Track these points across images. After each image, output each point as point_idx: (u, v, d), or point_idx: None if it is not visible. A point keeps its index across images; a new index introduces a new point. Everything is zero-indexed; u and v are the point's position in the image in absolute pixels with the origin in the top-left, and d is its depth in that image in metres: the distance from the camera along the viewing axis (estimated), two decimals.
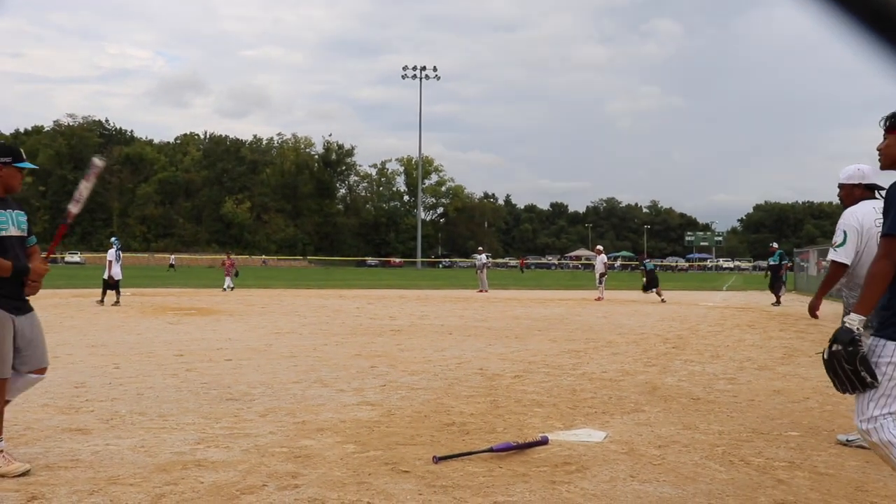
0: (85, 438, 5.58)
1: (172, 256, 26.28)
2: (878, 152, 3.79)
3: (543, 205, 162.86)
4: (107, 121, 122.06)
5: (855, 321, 3.42)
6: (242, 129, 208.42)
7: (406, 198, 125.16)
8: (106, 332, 13.48)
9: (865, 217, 5.62)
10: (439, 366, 9.62)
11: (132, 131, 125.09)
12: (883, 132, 3.71)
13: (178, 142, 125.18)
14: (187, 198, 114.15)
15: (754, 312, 21.28)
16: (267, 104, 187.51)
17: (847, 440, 5.81)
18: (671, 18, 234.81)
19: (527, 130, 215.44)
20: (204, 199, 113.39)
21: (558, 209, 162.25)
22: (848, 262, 5.62)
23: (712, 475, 4.85)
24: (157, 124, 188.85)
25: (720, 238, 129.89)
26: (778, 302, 25.23)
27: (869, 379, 3.39)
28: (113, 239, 22.23)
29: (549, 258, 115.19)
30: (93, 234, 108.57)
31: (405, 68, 76.58)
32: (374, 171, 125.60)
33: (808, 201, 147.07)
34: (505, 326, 15.65)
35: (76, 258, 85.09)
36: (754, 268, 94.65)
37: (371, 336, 13.27)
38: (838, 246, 5.65)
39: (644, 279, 26.15)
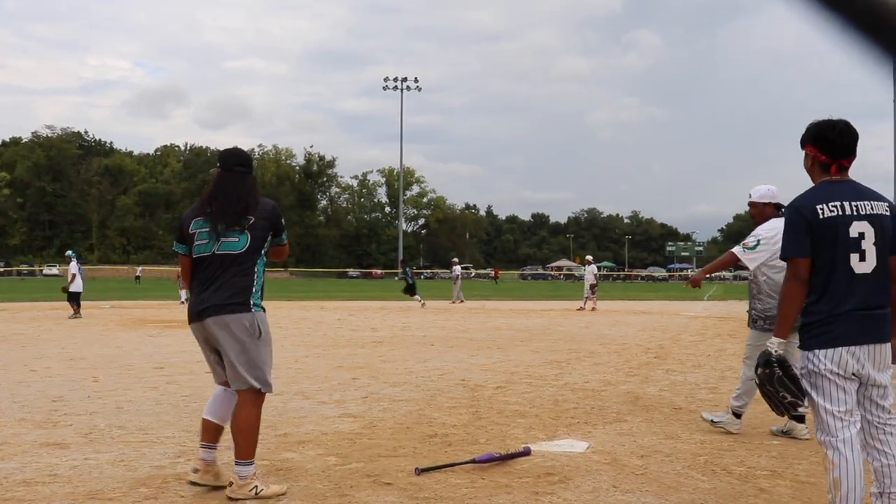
0: (63, 453, 5.51)
1: (139, 268, 25.90)
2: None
3: (525, 216, 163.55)
4: (86, 132, 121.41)
5: (774, 344, 3.65)
6: (223, 141, 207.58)
7: (387, 209, 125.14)
8: (85, 344, 13.36)
9: (778, 233, 5.71)
10: (421, 377, 9.60)
11: (112, 143, 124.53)
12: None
13: (159, 153, 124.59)
14: (167, 209, 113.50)
15: (735, 322, 21.39)
16: (247, 115, 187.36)
17: (713, 420, 6.57)
18: (651, 30, 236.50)
19: (508, 141, 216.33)
20: (184, 210, 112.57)
21: (539, 220, 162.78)
22: (752, 266, 6.19)
23: (695, 484, 4.86)
24: (136, 136, 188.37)
25: (701, 248, 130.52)
26: None
27: (789, 399, 3.61)
28: (69, 253, 22.27)
29: (546, 269, 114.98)
30: (71, 247, 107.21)
31: (386, 80, 76.76)
32: (355, 183, 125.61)
33: None
34: (487, 337, 15.65)
35: (54, 270, 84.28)
36: (735, 278, 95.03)
37: (352, 348, 13.23)
38: (750, 248, 6.19)
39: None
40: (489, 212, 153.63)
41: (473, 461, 5.25)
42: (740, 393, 6.55)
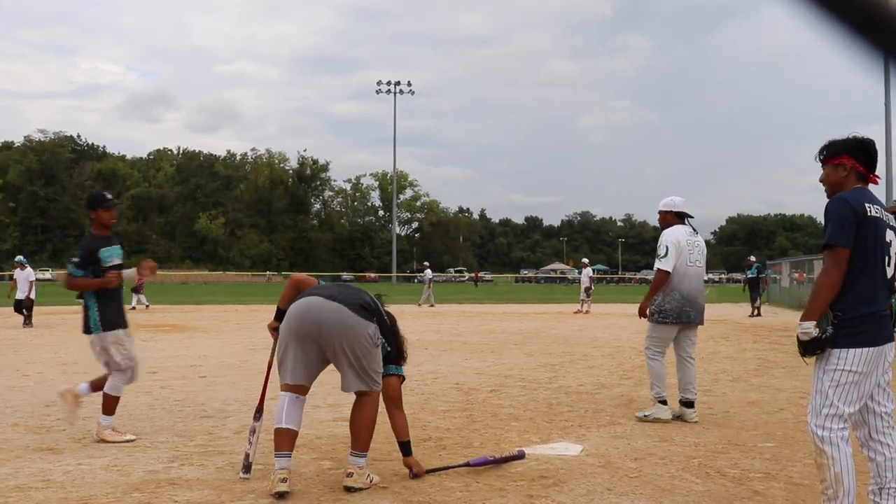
0: (56, 458, 5.50)
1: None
2: (821, 184, 4.02)
3: (518, 219, 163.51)
4: (78, 136, 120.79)
5: (809, 328, 3.72)
6: (213, 144, 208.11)
7: (381, 213, 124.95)
8: (78, 350, 13.28)
9: (681, 237, 7.16)
10: (415, 381, 9.59)
11: (104, 147, 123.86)
12: (820, 165, 4.02)
13: (151, 157, 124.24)
14: (160, 213, 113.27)
15: (728, 324, 21.44)
16: (238, 119, 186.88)
17: (644, 416, 7.09)
18: (641, 34, 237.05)
19: (500, 145, 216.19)
20: (177, 214, 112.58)
21: (533, 223, 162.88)
22: (671, 269, 7.04)
23: (689, 487, 4.86)
24: (128, 139, 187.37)
25: None
26: (756, 313, 25.43)
27: (820, 353, 3.76)
28: (20, 258, 21.18)
29: (549, 271, 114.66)
30: (64, 251, 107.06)
31: (379, 83, 76.70)
32: (348, 187, 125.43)
33: (779, 214, 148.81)
34: (481, 341, 15.65)
35: (47, 275, 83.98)
36: (728, 280, 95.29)
37: None
38: (663, 257, 7.08)
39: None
40: (482, 215, 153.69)
41: (468, 464, 5.25)
42: (652, 382, 7.25)
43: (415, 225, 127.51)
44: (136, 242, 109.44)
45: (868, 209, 3.74)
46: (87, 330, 6.38)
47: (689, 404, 7.15)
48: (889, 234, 3.81)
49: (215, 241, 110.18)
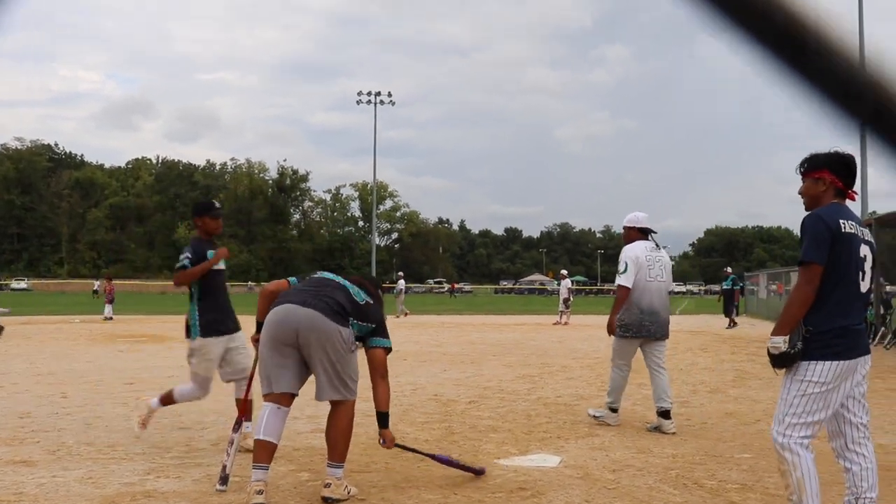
0: (30, 471, 5.43)
1: (97, 283, 25.18)
2: (800, 196, 4.10)
3: (497, 230, 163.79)
4: (56, 144, 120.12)
5: (779, 342, 3.85)
6: (192, 154, 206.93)
7: (360, 223, 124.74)
8: (53, 360, 13.19)
9: (640, 252, 7.36)
10: (394, 392, 9.53)
11: (82, 155, 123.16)
12: (801, 177, 4.10)
13: (130, 166, 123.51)
14: (139, 223, 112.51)
15: (706, 336, 21.55)
16: (217, 128, 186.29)
17: (595, 415, 7.50)
18: (621, 44, 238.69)
19: (480, 155, 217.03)
20: (156, 224, 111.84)
21: (512, 234, 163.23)
22: (630, 285, 7.23)
23: (666, 498, 4.88)
24: (107, 148, 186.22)
25: (672, 263, 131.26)
26: (733, 324, 25.58)
27: (790, 366, 3.88)
28: None
29: (528, 282, 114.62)
30: (40, 261, 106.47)
31: (360, 94, 76.46)
32: (328, 197, 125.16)
33: (757, 226, 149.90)
34: (460, 352, 15.64)
35: (23, 284, 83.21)
36: (706, 292, 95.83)
37: None
38: (622, 273, 7.30)
39: None
40: (462, 226, 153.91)
41: (433, 457, 5.27)
42: (609, 391, 7.54)
43: (394, 235, 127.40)
44: (115, 252, 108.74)
45: (843, 225, 3.82)
46: (188, 334, 6.28)
47: (665, 414, 7.23)
48: (863, 250, 3.89)
49: None
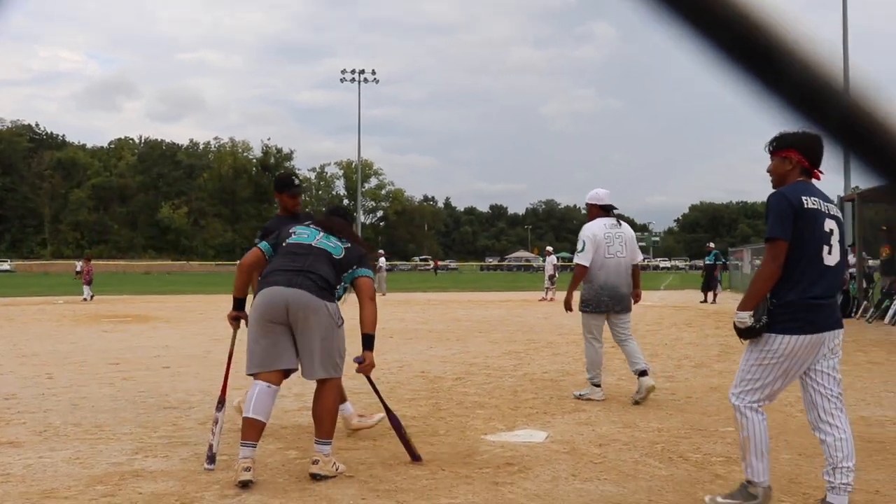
0: (17, 451, 5.42)
1: (78, 264, 24.84)
2: (768, 173, 4.28)
3: (482, 207, 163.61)
4: (37, 125, 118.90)
5: (745, 317, 4.02)
6: (175, 133, 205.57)
7: (345, 201, 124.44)
8: (38, 341, 13.13)
9: (598, 230, 7.55)
10: (380, 369, 9.58)
11: (64, 136, 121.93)
12: (769, 155, 4.26)
13: (112, 146, 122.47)
14: (122, 203, 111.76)
15: (691, 311, 21.69)
16: (201, 108, 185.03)
17: (579, 395, 7.57)
18: (606, 22, 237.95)
19: (465, 133, 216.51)
20: (140, 204, 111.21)
21: (498, 211, 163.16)
22: (587, 264, 7.47)
23: (652, 472, 4.92)
24: (88, 128, 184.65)
25: (657, 238, 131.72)
26: (710, 300, 25.73)
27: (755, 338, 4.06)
28: None
29: (514, 259, 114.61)
30: (23, 242, 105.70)
31: (344, 72, 75.94)
32: (313, 175, 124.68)
33: (741, 201, 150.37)
34: (446, 329, 15.67)
35: (6, 266, 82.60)
36: (691, 267, 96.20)
37: None
38: (580, 252, 7.54)
39: None
40: (447, 203, 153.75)
41: (389, 414, 5.33)
42: (587, 366, 7.70)
43: (380, 214, 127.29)
44: (98, 232, 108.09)
45: (805, 202, 3.96)
46: None
47: (643, 373, 7.38)
48: (828, 224, 4.01)
49: (178, 231, 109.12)
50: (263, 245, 5.11)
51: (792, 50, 0.63)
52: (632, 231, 7.88)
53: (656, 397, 7.55)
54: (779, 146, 4.18)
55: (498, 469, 4.98)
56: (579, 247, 7.57)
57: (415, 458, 5.16)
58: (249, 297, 5.21)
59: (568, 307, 7.86)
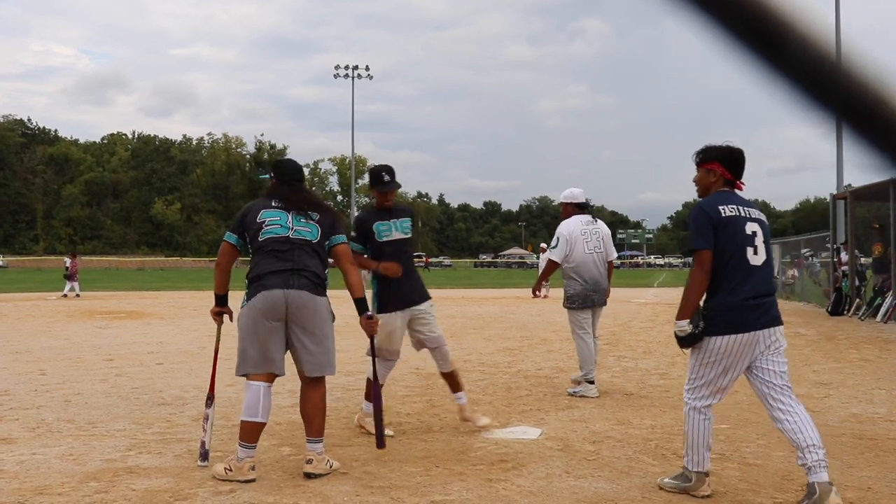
0: (9, 448, 5.41)
1: (68, 259, 24.55)
2: (694, 183, 4.59)
3: (476, 204, 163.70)
4: (29, 120, 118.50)
5: (684, 325, 4.30)
6: (168, 128, 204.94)
7: (339, 198, 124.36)
8: (31, 337, 13.10)
9: (573, 228, 7.70)
10: None
11: (56, 131, 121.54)
12: (696, 166, 4.55)
13: (105, 141, 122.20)
14: (115, 199, 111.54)
15: None
16: (194, 103, 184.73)
17: (573, 392, 7.60)
18: (599, 19, 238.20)
19: (458, 129, 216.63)
20: (132, 199, 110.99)
21: (491, 208, 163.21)
22: (559, 260, 7.66)
23: (646, 469, 4.94)
24: (81, 123, 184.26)
25: (651, 235, 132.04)
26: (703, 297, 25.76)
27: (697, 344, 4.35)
28: None
29: (508, 256, 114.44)
30: (15, 237, 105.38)
31: (337, 67, 75.98)
32: (306, 171, 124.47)
33: None
34: (440, 325, 15.63)
35: None
36: (684, 264, 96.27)
37: None
38: (553, 248, 7.73)
39: None
40: (441, 200, 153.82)
41: (376, 392, 5.31)
42: (580, 363, 7.71)
43: None
44: (91, 228, 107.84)
45: (722, 211, 4.28)
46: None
47: (591, 381, 7.67)
48: (750, 227, 4.30)
49: (171, 227, 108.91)
50: (232, 238, 5.04)
51: (786, 21, 0.63)
52: (607, 228, 8.08)
53: (650, 394, 7.57)
54: (704, 159, 4.50)
55: (492, 466, 4.99)
56: (553, 243, 7.79)
57: (380, 443, 5.15)
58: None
59: (535, 293, 8.40)
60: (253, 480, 4.57)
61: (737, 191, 4.48)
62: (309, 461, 4.75)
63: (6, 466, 4.92)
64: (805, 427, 4.15)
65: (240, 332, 4.84)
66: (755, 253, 4.27)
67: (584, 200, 8.03)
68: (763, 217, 4.45)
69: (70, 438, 5.71)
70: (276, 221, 4.91)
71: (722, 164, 4.46)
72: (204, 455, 4.96)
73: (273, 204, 4.98)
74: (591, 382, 7.59)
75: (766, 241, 4.34)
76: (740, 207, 4.34)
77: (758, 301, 4.23)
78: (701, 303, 4.34)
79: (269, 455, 5.24)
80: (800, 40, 0.63)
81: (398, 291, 6.03)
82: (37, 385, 8.08)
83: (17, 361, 9.96)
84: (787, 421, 4.19)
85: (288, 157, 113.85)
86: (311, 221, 4.95)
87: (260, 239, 4.89)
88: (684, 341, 4.35)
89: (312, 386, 4.88)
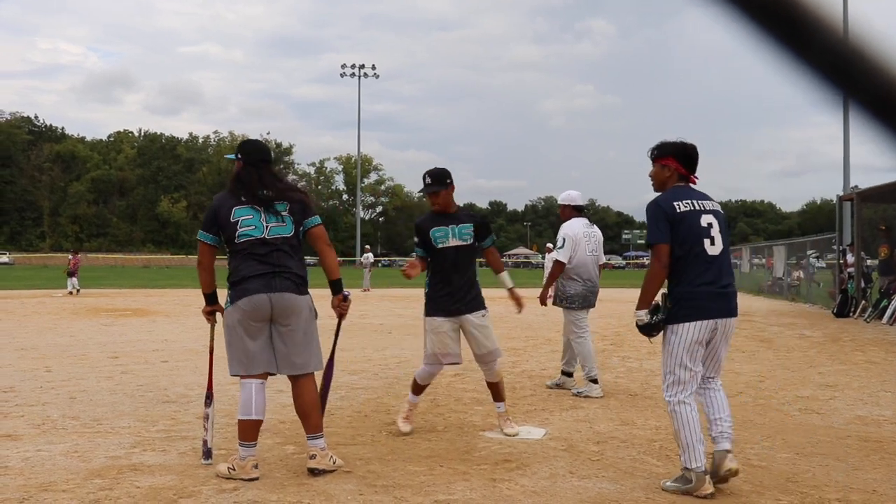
0: (15, 444, 5.43)
1: (70, 256, 24.44)
2: (650, 178, 4.78)
3: (482, 203, 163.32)
4: (36, 117, 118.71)
5: (642, 315, 4.59)
6: (174, 127, 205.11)
7: (345, 197, 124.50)
8: (36, 334, 13.14)
9: (577, 230, 7.84)
10: (379, 365, 9.60)
11: (63, 128, 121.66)
12: (651, 161, 4.75)
13: (112, 139, 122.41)
14: (121, 196, 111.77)
15: None
16: (200, 101, 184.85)
17: (577, 392, 7.64)
18: (605, 19, 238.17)
19: (464, 129, 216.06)
20: (139, 197, 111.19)
21: (497, 208, 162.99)
22: (566, 261, 7.75)
23: (650, 470, 4.93)
24: (88, 121, 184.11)
25: None
26: None
27: (656, 334, 4.64)
28: None
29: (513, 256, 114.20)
30: (22, 234, 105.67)
31: (344, 66, 76.10)
32: (312, 170, 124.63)
33: (740, 200, 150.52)
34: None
35: (4, 259, 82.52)
36: None
37: None
38: (560, 249, 7.79)
39: None
40: None
41: (329, 368, 5.34)
42: (581, 363, 7.78)
43: (379, 209, 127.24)
44: (97, 226, 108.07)
45: (677, 206, 4.48)
46: None
47: (570, 375, 8.01)
48: (706, 219, 4.50)
49: (177, 225, 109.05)
50: (209, 238, 4.91)
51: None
52: (600, 233, 8.24)
53: (654, 395, 7.57)
54: (659, 154, 4.70)
55: (496, 465, 4.99)
56: (559, 244, 7.86)
57: (322, 393, 5.22)
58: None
59: (543, 301, 8.13)
60: (257, 479, 4.58)
61: (691, 185, 4.69)
62: (312, 456, 4.76)
63: (11, 463, 4.93)
64: (717, 401, 4.58)
65: (226, 335, 4.83)
66: (712, 244, 4.48)
67: (582, 203, 8.21)
68: (718, 208, 4.63)
69: (75, 435, 5.72)
70: (249, 221, 4.82)
71: (676, 160, 4.66)
72: (207, 453, 4.97)
73: (243, 199, 4.86)
74: (595, 381, 7.63)
75: (722, 232, 4.53)
76: (695, 201, 4.54)
77: (718, 289, 4.46)
78: (660, 294, 4.57)
79: (273, 453, 5.25)
80: (806, 15, 0.63)
81: (441, 299, 5.92)
82: (42, 382, 8.10)
83: (23, 358, 9.99)
84: (707, 396, 4.60)
85: (293, 155, 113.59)
86: (283, 214, 4.88)
87: (237, 241, 4.81)
88: (643, 330, 4.61)
89: (301, 384, 4.89)
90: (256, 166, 4.99)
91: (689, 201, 4.53)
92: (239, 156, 5.08)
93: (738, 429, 6.12)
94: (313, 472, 4.70)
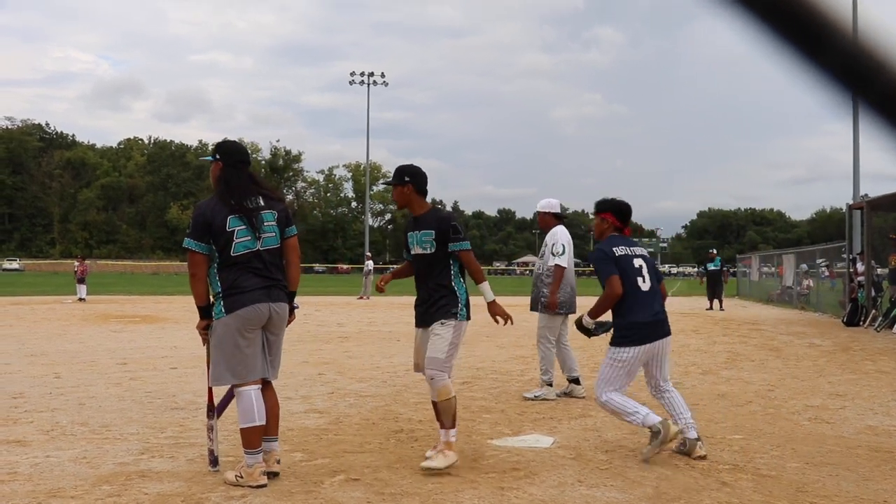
0: (24, 450, 5.44)
1: (76, 262, 24.50)
2: (591, 229, 5.36)
3: (491, 211, 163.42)
4: (47, 124, 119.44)
5: (590, 322, 5.67)
6: (183, 134, 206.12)
7: (354, 204, 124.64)
8: (46, 340, 13.18)
9: (568, 237, 8.17)
10: (387, 372, 9.59)
11: (74, 135, 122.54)
12: (593, 215, 5.73)
13: (121, 146, 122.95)
14: (131, 203, 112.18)
15: (699, 318, 21.61)
16: (209, 109, 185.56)
17: (534, 396, 7.82)
18: (614, 27, 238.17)
19: (473, 137, 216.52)
20: (148, 204, 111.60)
21: (506, 215, 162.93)
22: (566, 265, 7.97)
23: (658, 479, 4.91)
24: (98, 128, 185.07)
25: (665, 244, 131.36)
26: (718, 307, 25.60)
27: (601, 333, 5.72)
28: None
29: (522, 264, 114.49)
30: (32, 241, 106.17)
31: (353, 74, 76.19)
32: (321, 178, 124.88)
33: (749, 208, 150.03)
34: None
35: (14, 265, 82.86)
36: (698, 274, 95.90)
37: (319, 343, 13.18)
38: (560, 255, 7.96)
39: None
40: (455, 207, 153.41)
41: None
42: (545, 368, 7.93)
43: (388, 216, 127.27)
44: (106, 232, 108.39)
45: (616, 250, 5.56)
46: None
47: (576, 381, 8.08)
48: (637, 261, 5.58)
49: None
50: (203, 248, 4.78)
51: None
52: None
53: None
54: (598, 210, 5.83)
55: (504, 474, 4.97)
56: (559, 249, 7.97)
57: (222, 402, 5.25)
58: None
59: (555, 307, 7.95)
60: (265, 486, 4.58)
61: (625, 234, 5.76)
62: (278, 461, 4.91)
63: (20, 469, 4.95)
64: (676, 400, 5.58)
65: (218, 344, 4.78)
66: (644, 281, 5.51)
67: (559, 211, 8.44)
68: (646, 253, 5.79)
69: (84, 442, 5.73)
70: (244, 232, 4.76)
71: (613, 215, 5.77)
72: (214, 461, 4.97)
73: (234, 206, 4.78)
74: (550, 385, 7.90)
75: (650, 271, 5.61)
76: (627, 248, 5.64)
77: (653, 318, 5.43)
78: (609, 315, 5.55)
79: (282, 461, 5.24)
80: (816, 15, 0.63)
81: (416, 308, 5.94)
82: (51, 388, 8.12)
83: (33, 364, 10.02)
84: (665, 398, 5.59)
85: (302, 163, 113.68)
86: (271, 224, 4.88)
87: (233, 253, 4.74)
88: (582, 330, 5.79)
89: (271, 389, 5.06)
90: (236, 168, 4.95)
91: (623, 247, 5.61)
92: (218, 156, 5.02)
93: (748, 438, 6.11)
94: (272, 476, 4.78)
